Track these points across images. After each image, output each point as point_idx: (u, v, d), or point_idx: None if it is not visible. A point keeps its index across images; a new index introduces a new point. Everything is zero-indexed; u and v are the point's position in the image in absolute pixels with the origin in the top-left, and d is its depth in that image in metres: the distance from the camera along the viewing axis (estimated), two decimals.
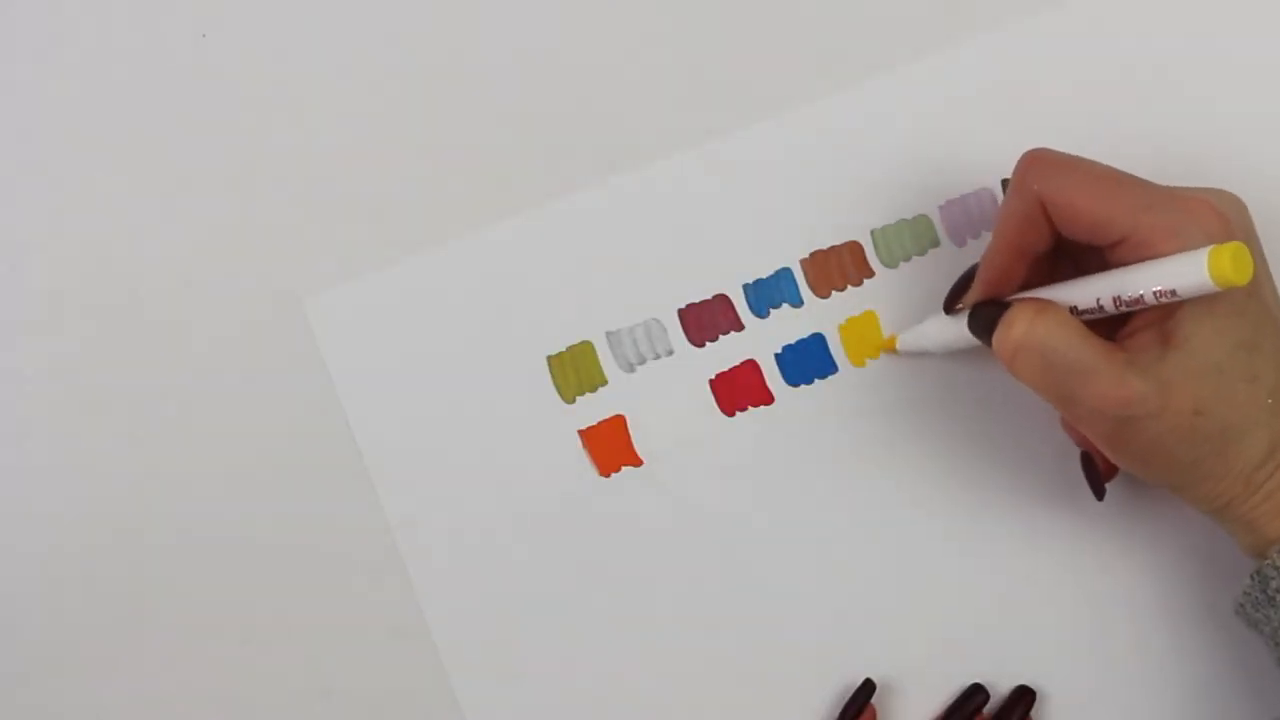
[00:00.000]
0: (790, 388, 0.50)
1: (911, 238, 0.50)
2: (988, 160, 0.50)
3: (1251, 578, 0.43)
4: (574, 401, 0.50)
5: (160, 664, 0.49)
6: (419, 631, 0.49)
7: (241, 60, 0.51)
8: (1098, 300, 0.41)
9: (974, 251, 0.50)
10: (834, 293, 0.50)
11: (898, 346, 0.49)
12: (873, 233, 0.50)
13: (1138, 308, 0.40)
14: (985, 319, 0.43)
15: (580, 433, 0.50)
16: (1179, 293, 0.39)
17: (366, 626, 0.49)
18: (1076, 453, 0.48)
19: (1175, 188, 0.42)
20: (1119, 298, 0.41)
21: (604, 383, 0.50)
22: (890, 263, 0.50)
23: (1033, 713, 0.48)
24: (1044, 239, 0.43)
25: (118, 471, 0.49)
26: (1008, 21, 0.51)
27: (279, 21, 0.51)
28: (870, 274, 0.50)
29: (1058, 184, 0.41)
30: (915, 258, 0.50)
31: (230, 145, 0.51)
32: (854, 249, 0.50)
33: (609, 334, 0.50)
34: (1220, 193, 0.42)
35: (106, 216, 0.50)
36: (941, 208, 0.50)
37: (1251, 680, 0.48)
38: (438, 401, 0.50)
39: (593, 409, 0.50)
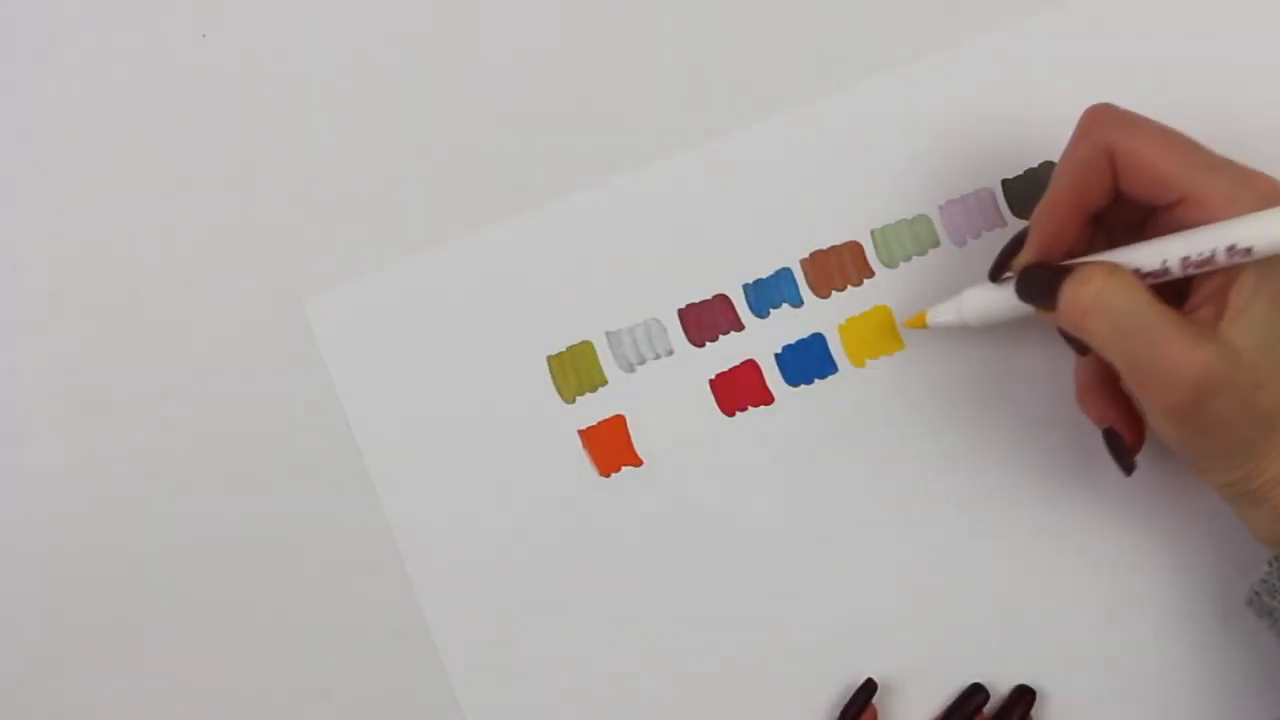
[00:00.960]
0: (790, 388, 0.50)
1: (911, 238, 0.50)
2: (988, 160, 0.50)
3: (1270, 564, 0.42)
4: (574, 401, 0.50)
5: (160, 664, 0.49)
6: (419, 631, 0.49)
7: (241, 60, 0.51)
8: (1163, 261, 0.41)
9: (974, 251, 0.50)
10: (834, 293, 0.50)
11: (929, 322, 0.48)
12: (873, 233, 0.50)
13: (1206, 269, 0.40)
14: (1039, 281, 0.42)
15: (580, 433, 0.50)
16: (1255, 251, 0.39)
17: (366, 626, 0.49)
18: (1076, 453, 0.48)
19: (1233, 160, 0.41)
20: (1188, 258, 0.40)
21: (604, 383, 0.50)
22: (890, 263, 0.50)
23: (1033, 713, 0.48)
24: (1104, 193, 0.42)
25: (118, 471, 0.49)
26: (1008, 21, 0.51)
27: (279, 21, 0.51)
28: (870, 274, 0.50)
29: (1126, 134, 0.41)
30: (915, 258, 0.50)
31: (230, 145, 0.51)
32: (854, 249, 0.50)
33: (609, 334, 0.50)
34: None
35: (106, 216, 0.50)
36: (941, 208, 0.50)
37: (1252, 681, 0.48)
38: (438, 401, 0.50)
39: (593, 409, 0.50)
